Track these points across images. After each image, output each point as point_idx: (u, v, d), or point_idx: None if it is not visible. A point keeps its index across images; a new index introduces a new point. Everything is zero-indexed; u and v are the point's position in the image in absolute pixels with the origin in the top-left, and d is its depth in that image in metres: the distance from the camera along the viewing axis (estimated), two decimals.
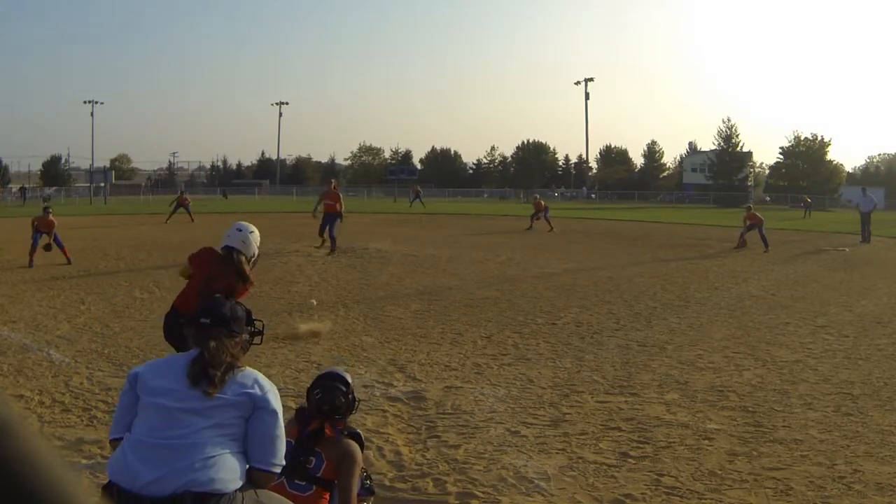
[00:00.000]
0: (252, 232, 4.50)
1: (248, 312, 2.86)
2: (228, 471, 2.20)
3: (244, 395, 2.34)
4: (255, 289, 10.13)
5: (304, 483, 2.85)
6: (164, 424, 2.21)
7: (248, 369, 2.48)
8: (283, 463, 2.48)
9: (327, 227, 15.19)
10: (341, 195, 15.59)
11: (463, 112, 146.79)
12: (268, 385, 2.41)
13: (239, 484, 2.21)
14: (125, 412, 2.31)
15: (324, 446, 2.93)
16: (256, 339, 2.97)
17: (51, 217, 13.41)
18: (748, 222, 18.06)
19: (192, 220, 25.35)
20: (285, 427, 2.75)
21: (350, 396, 3.12)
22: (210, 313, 2.62)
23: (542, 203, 24.48)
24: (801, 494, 3.66)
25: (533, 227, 23.40)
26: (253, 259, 4.50)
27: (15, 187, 64.25)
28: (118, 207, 39.22)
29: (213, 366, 2.36)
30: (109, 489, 2.23)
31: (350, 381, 3.18)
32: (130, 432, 2.25)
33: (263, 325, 3.02)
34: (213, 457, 2.19)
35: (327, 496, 2.90)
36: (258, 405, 2.36)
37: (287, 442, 2.69)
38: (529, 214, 24.95)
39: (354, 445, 3.01)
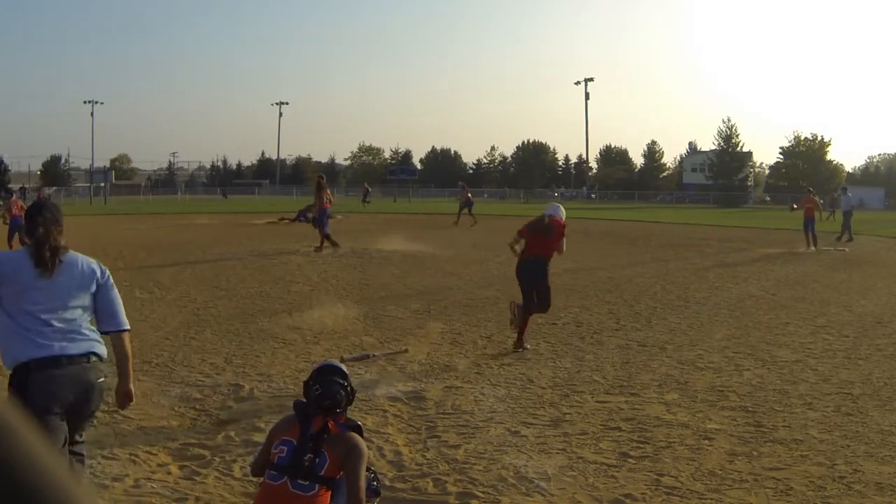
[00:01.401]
0: None
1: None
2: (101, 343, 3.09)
3: (86, 275, 3.07)
4: (255, 289, 10.15)
5: (307, 483, 2.82)
6: (48, 309, 2.95)
7: (72, 252, 3.11)
8: (128, 325, 3.26)
9: (321, 224, 15.27)
10: (328, 190, 15.63)
11: (463, 112, 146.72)
12: (96, 262, 3.15)
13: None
14: None
15: (327, 444, 2.90)
16: None
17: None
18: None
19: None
20: (282, 424, 3.02)
21: (349, 388, 3.09)
22: (44, 209, 3.23)
23: (469, 196, 24.88)
24: (801, 494, 3.66)
25: (459, 223, 23.75)
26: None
27: (15, 187, 64.25)
28: (118, 207, 39.23)
29: (49, 250, 2.98)
30: (23, 371, 2.88)
31: (347, 372, 3.16)
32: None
33: None
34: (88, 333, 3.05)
35: (329, 495, 2.87)
36: (99, 282, 3.09)
37: (288, 441, 2.90)
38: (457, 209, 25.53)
39: (359, 438, 2.99)
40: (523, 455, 4.13)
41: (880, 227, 22.96)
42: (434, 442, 4.34)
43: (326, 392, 3.02)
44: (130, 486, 3.64)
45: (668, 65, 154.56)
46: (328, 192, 15.51)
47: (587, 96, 73.30)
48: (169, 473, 3.84)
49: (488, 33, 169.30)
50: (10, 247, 12.80)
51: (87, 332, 3.11)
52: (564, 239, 6.98)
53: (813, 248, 17.64)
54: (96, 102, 75.76)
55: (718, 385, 5.63)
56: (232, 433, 4.46)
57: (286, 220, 23.48)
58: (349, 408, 3.09)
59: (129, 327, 3.24)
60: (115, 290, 3.20)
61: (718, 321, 8.30)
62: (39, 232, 3.01)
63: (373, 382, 5.60)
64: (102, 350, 3.19)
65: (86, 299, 3.10)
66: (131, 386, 3.30)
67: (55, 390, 2.94)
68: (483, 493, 3.63)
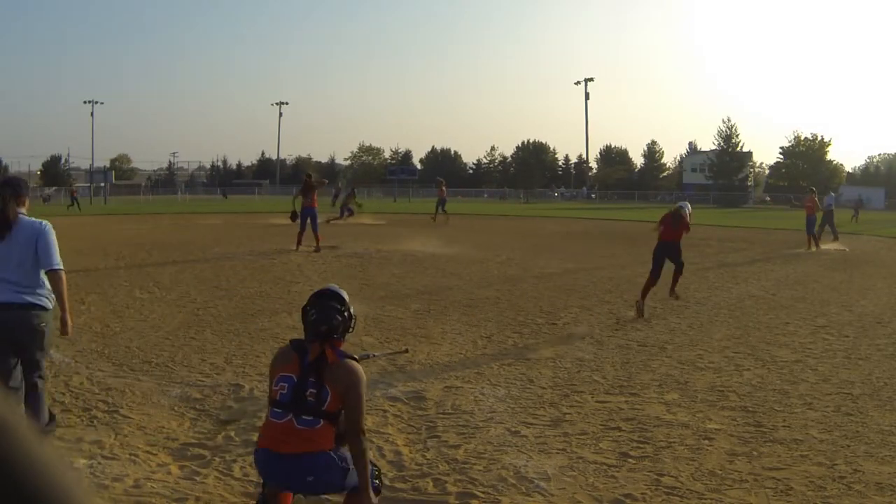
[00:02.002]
0: None
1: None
2: (47, 294, 4.01)
3: (32, 232, 3.94)
4: (255, 289, 10.15)
5: (311, 418, 2.83)
6: (5, 266, 3.86)
7: (24, 217, 3.98)
8: (61, 265, 4.07)
9: (308, 223, 15.30)
10: (316, 189, 15.73)
11: (463, 112, 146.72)
12: (41, 221, 4.04)
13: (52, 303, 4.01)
14: None
15: (327, 375, 2.87)
16: None
17: None
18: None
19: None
20: (280, 357, 3.04)
21: (346, 314, 3.04)
22: (7, 186, 4.02)
23: (443, 193, 24.97)
24: (801, 494, 3.66)
25: (437, 220, 23.76)
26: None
27: None
28: (118, 207, 39.21)
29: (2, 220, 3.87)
30: None
31: (346, 297, 3.09)
32: None
33: None
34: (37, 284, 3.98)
35: (333, 429, 2.88)
36: (41, 232, 3.97)
37: (288, 377, 2.91)
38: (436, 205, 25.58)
39: (358, 367, 2.95)
40: (523, 455, 4.13)
41: (880, 227, 22.96)
42: (434, 442, 4.34)
43: (322, 317, 2.98)
44: (130, 486, 3.64)
45: (668, 65, 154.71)
46: (315, 192, 15.61)
47: (587, 96, 73.39)
48: (169, 473, 3.83)
49: (488, 33, 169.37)
50: None
51: (36, 288, 3.95)
52: (688, 228, 9.33)
53: (814, 248, 17.67)
54: (96, 102, 75.86)
55: (718, 385, 5.63)
56: (232, 433, 4.46)
57: (336, 221, 23.40)
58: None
59: (61, 267, 4.04)
60: (51, 238, 4.01)
61: (718, 321, 8.30)
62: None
63: (373, 382, 5.60)
64: (46, 303, 3.99)
65: (32, 254, 3.91)
66: (67, 317, 4.04)
67: (4, 330, 3.82)
68: (483, 493, 3.63)
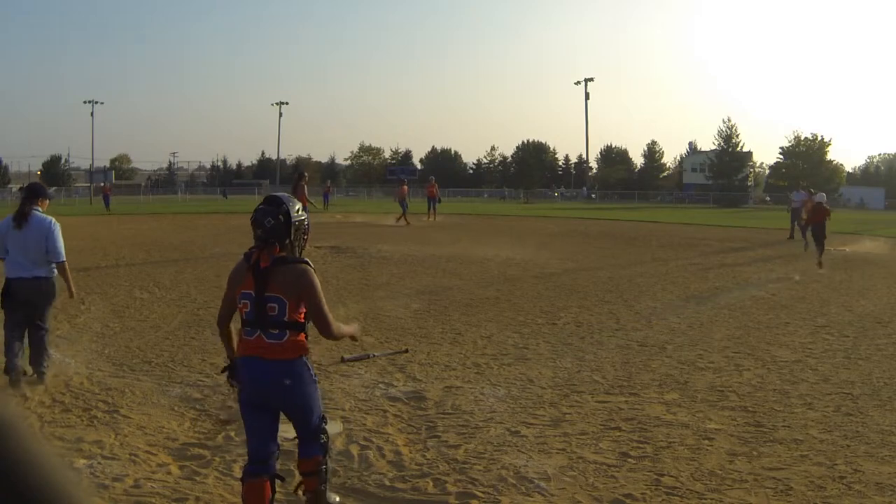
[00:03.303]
0: None
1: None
2: (50, 269, 5.44)
3: (44, 227, 5.35)
4: None
5: (277, 331, 2.97)
6: (21, 250, 5.31)
7: (38, 213, 5.41)
8: (64, 257, 5.46)
9: None
10: (306, 189, 15.98)
11: (463, 112, 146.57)
12: (50, 219, 5.42)
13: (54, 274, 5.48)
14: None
15: (276, 284, 2.96)
16: None
17: None
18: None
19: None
20: (236, 278, 3.12)
21: (282, 218, 3.01)
22: (28, 190, 5.67)
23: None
24: (801, 494, 3.66)
25: (426, 220, 23.54)
26: None
27: (15, 187, 64.20)
28: (118, 207, 39.19)
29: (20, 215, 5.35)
30: (8, 283, 5.36)
31: (286, 203, 3.08)
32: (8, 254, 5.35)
33: None
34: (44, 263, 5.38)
35: (303, 336, 3.03)
36: (50, 229, 5.37)
37: (248, 294, 3.03)
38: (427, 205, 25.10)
39: (305, 267, 3.02)
40: (523, 455, 4.13)
41: (880, 227, 22.95)
42: (434, 442, 4.34)
43: (257, 219, 3.03)
44: (130, 486, 3.64)
45: (669, 65, 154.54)
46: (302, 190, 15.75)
47: (587, 96, 73.35)
48: (169, 473, 3.84)
49: (488, 33, 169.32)
50: None
51: (42, 266, 5.38)
52: (829, 213, 15.01)
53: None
54: (96, 102, 75.89)
55: (718, 385, 5.63)
56: (232, 433, 4.46)
57: (402, 221, 23.49)
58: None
59: (64, 259, 5.47)
60: (58, 235, 5.41)
61: (718, 321, 8.30)
62: (20, 203, 5.45)
63: (373, 382, 5.60)
64: (49, 273, 5.44)
65: (42, 244, 5.34)
66: (72, 287, 5.71)
67: (20, 294, 5.34)
68: (483, 493, 3.63)
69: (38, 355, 5.45)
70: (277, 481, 3.16)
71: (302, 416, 3.15)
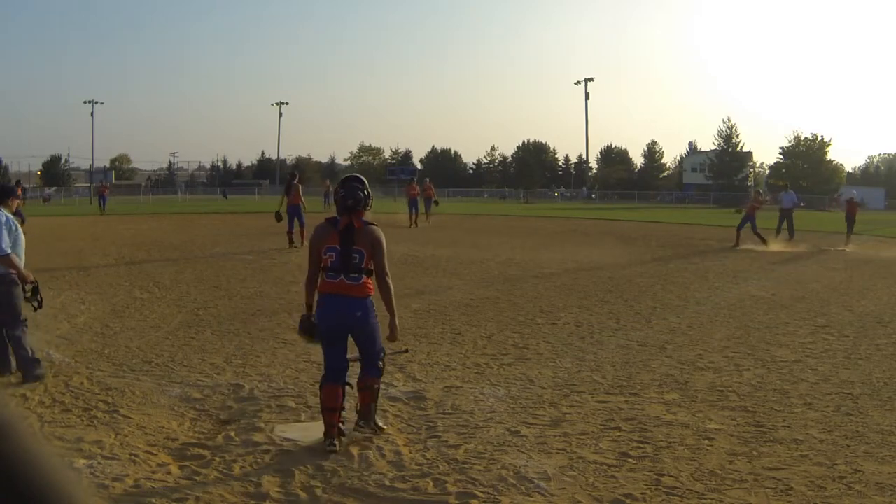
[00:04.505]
0: None
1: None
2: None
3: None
4: (255, 289, 10.14)
5: (356, 275, 4.04)
6: None
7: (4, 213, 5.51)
8: (9, 250, 5.35)
9: (295, 220, 15.75)
10: (300, 188, 16.19)
11: (463, 112, 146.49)
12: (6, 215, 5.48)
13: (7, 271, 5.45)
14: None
15: (358, 240, 4.02)
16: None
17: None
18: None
19: None
20: (322, 236, 4.13)
21: (366, 192, 4.14)
22: None
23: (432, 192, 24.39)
24: (801, 494, 3.66)
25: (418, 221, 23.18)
26: None
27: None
28: (118, 207, 39.21)
29: None
30: None
31: (364, 179, 4.27)
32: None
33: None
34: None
35: (370, 280, 4.10)
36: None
37: (334, 248, 4.06)
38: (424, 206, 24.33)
39: (378, 229, 4.12)
40: (523, 455, 4.13)
41: (880, 227, 22.94)
42: (434, 442, 4.34)
43: (349, 193, 4.09)
44: (130, 486, 3.64)
45: (669, 65, 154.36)
46: (299, 189, 16.04)
47: (587, 96, 73.44)
48: (169, 473, 3.83)
49: (488, 33, 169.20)
50: None
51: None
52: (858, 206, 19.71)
53: (739, 245, 18.02)
54: (96, 102, 75.93)
55: (718, 385, 5.63)
56: (232, 433, 4.46)
57: (416, 220, 23.35)
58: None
59: (8, 252, 5.39)
60: (2, 228, 5.38)
61: (718, 321, 8.30)
62: None
63: None
64: (3, 271, 5.46)
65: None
66: (24, 275, 5.58)
67: None
68: (483, 493, 3.63)
69: (20, 361, 5.48)
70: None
71: (366, 342, 4.20)
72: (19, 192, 9.28)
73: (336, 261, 4.01)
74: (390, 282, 4.15)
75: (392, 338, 4.30)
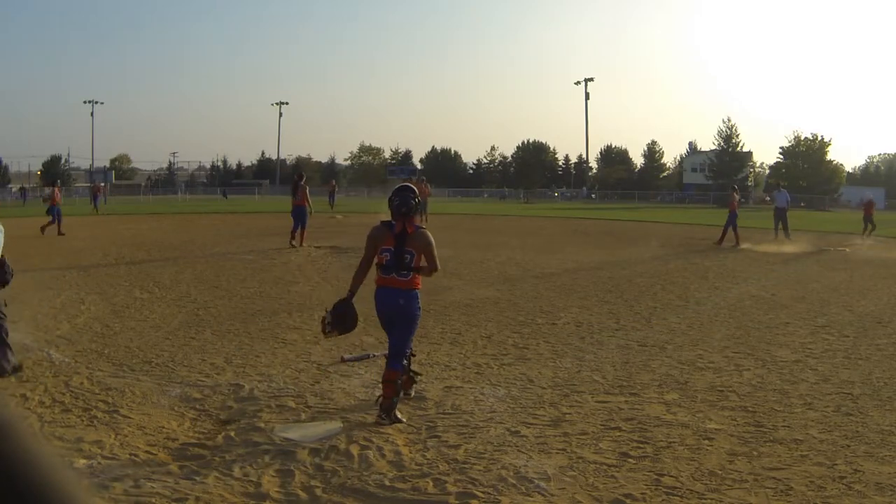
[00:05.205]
0: None
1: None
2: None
3: None
4: (255, 289, 10.15)
5: (406, 272, 4.65)
6: None
7: None
8: None
9: (299, 223, 16.05)
10: (307, 189, 16.53)
11: (463, 112, 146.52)
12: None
13: None
14: None
15: (410, 243, 4.64)
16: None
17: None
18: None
19: None
20: (379, 237, 4.72)
21: (417, 200, 4.77)
22: None
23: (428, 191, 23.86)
24: (801, 494, 3.66)
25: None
26: None
27: (15, 187, 64.21)
28: (118, 207, 39.20)
29: None
30: None
31: (415, 189, 4.88)
32: None
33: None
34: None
35: (419, 277, 4.70)
36: None
37: (388, 249, 4.67)
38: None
39: (428, 232, 4.74)
40: (523, 455, 4.13)
41: (880, 227, 22.92)
42: (434, 442, 4.34)
43: (403, 202, 4.69)
44: (130, 486, 3.64)
45: (669, 65, 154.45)
46: (306, 190, 16.32)
47: (587, 96, 73.47)
48: (169, 473, 3.83)
49: (488, 33, 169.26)
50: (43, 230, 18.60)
51: None
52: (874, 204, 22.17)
53: (721, 244, 18.19)
54: (96, 102, 75.98)
55: (718, 385, 5.63)
56: (232, 433, 4.46)
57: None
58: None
59: None
60: None
61: (718, 321, 8.30)
62: None
63: (373, 382, 5.60)
64: None
65: None
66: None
67: None
68: (483, 493, 3.63)
69: None
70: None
71: (402, 331, 4.71)
72: None
73: (391, 260, 4.63)
74: (440, 272, 4.95)
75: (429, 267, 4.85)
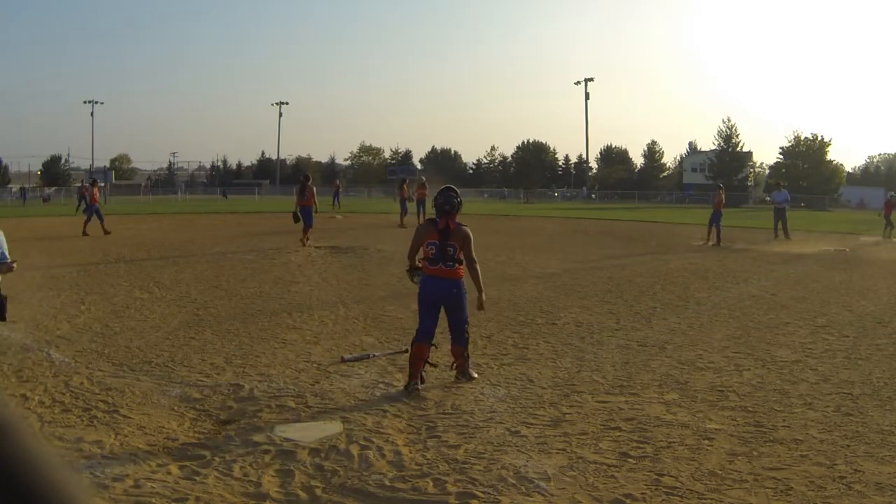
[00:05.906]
0: None
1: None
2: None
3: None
4: (255, 289, 10.15)
5: (451, 263, 5.33)
6: None
7: None
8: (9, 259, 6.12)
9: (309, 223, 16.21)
10: (314, 189, 16.71)
11: (463, 112, 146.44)
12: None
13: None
14: None
15: (453, 237, 5.32)
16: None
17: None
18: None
19: None
20: (424, 233, 5.50)
21: (458, 199, 5.46)
22: None
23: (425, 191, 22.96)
24: (801, 494, 3.66)
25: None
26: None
27: (15, 187, 64.21)
28: (118, 207, 39.19)
29: None
30: None
31: (457, 189, 5.63)
32: None
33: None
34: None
35: (462, 267, 5.36)
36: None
37: (433, 243, 5.35)
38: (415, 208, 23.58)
39: (468, 229, 5.40)
40: (523, 455, 4.13)
41: (880, 227, 22.93)
42: (434, 442, 4.34)
43: (446, 200, 5.41)
44: (130, 486, 3.64)
45: (669, 65, 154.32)
46: (314, 190, 16.48)
47: (587, 96, 73.43)
48: (169, 473, 3.83)
49: (488, 33, 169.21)
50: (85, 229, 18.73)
51: None
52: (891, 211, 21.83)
53: (710, 242, 18.20)
54: (96, 102, 75.99)
55: (718, 385, 5.63)
56: (232, 433, 4.46)
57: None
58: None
59: (7, 260, 6.04)
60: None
61: (718, 321, 8.30)
62: None
63: (373, 383, 5.60)
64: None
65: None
66: (13, 265, 6.12)
67: None
68: (483, 493, 3.63)
69: None
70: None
71: (457, 314, 5.42)
72: None
73: (436, 252, 5.31)
74: (478, 267, 5.50)
75: (480, 307, 5.58)
